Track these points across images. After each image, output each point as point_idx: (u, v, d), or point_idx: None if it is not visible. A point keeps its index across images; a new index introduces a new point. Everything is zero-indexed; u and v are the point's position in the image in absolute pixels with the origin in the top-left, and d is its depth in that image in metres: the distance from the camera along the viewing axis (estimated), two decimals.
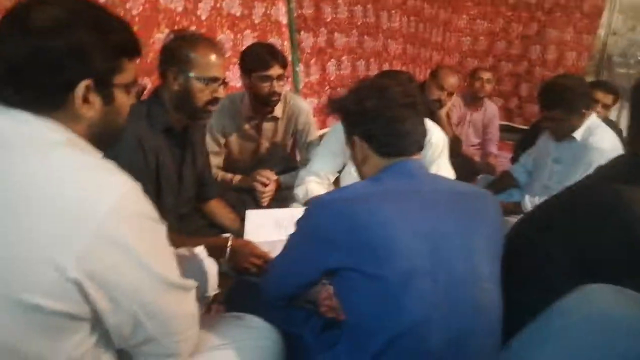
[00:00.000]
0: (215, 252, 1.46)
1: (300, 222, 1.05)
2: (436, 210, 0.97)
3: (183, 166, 1.64)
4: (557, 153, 2.14)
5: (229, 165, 2.20)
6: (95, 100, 0.80)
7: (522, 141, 2.94)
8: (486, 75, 3.16)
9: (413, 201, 0.97)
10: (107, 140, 0.86)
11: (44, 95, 0.75)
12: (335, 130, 2.03)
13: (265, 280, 1.19)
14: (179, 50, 1.47)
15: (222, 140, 2.14)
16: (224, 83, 1.55)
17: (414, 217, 0.94)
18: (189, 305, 0.88)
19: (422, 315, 0.90)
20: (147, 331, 0.79)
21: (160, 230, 0.80)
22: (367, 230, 0.92)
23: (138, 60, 0.88)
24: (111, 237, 0.70)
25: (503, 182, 2.44)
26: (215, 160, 2.09)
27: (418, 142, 1.05)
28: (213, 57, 1.50)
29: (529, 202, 2.08)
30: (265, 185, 2.02)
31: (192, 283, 0.88)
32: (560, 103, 1.97)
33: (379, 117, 1.02)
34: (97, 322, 0.76)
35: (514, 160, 2.91)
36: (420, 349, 0.91)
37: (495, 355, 0.97)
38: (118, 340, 0.80)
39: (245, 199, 2.02)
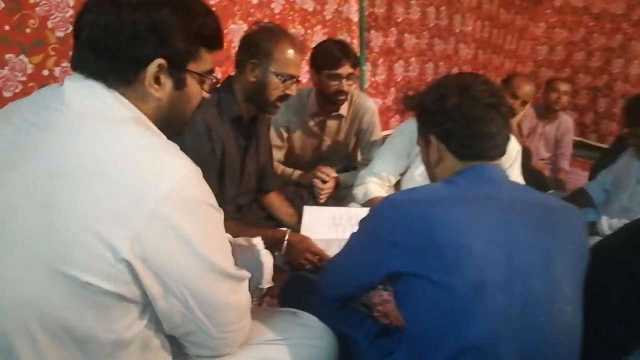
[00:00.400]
0: (272, 244, 1.45)
1: (365, 222, 1.01)
2: (515, 220, 0.90)
3: (247, 157, 1.65)
4: None
5: (290, 160, 2.19)
6: (167, 82, 0.79)
7: (602, 159, 2.75)
8: (564, 87, 2.98)
9: (490, 208, 0.90)
10: (171, 126, 0.84)
11: (118, 68, 0.75)
12: (401, 131, 1.97)
13: (323, 278, 1.16)
14: (262, 43, 1.47)
15: (285, 135, 2.14)
16: (298, 81, 1.54)
17: (490, 225, 0.88)
18: (242, 296, 0.85)
19: (492, 332, 0.84)
20: (196, 320, 0.77)
21: (217, 217, 0.77)
22: (438, 235, 0.86)
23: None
24: (166, 221, 0.68)
25: (577, 200, 2.28)
26: (277, 154, 2.09)
27: (500, 147, 0.98)
28: (294, 55, 1.50)
29: (606, 224, 1.93)
30: (325, 182, 1.99)
31: (245, 273, 0.86)
32: None
33: (461, 116, 0.96)
34: (147, 306, 0.74)
35: (590, 179, 2.72)
36: None
37: None
38: (168, 327, 0.78)
39: (304, 194, 2.00)
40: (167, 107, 0.81)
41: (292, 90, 1.53)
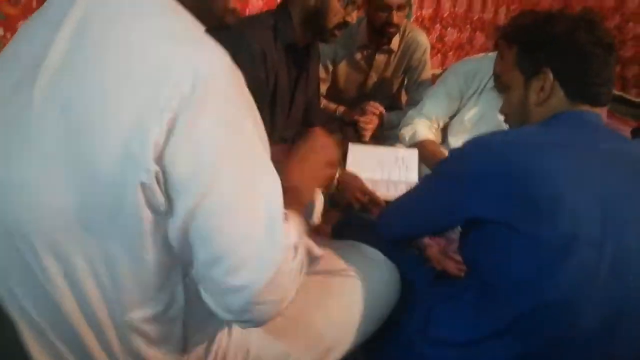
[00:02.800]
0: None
1: (448, 163, 0.95)
2: (613, 174, 0.84)
3: (297, 88, 1.57)
4: None
5: (332, 95, 2.11)
6: None
7: None
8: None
9: (588, 158, 0.84)
10: (208, 15, 0.72)
11: None
12: (456, 71, 1.87)
13: (388, 217, 1.12)
14: None
15: (331, 68, 2.04)
16: (358, 8, 1.43)
17: (587, 177, 0.82)
18: (281, 236, 0.64)
19: (577, 289, 0.80)
20: (216, 245, 0.60)
21: (256, 120, 0.65)
22: (533, 183, 0.80)
23: None
24: (197, 112, 0.57)
25: None
26: (321, 88, 2.00)
27: (609, 94, 0.91)
28: None
29: None
30: (374, 114, 1.91)
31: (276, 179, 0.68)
32: None
33: (586, 54, 0.88)
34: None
35: (635, 132, 2.63)
36: (569, 322, 0.81)
37: None
38: (195, 269, 0.64)
39: (348, 131, 1.94)
40: None
41: (352, 18, 1.42)
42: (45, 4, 0.69)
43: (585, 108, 0.90)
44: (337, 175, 1.46)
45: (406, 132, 1.86)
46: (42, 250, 0.61)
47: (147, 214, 0.59)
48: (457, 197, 0.90)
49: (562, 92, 0.91)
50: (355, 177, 1.49)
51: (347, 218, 1.34)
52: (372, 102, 1.92)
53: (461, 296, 0.97)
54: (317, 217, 1.39)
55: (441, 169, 0.97)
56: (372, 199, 1.49)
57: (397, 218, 1.09)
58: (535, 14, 0.98)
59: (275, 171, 0.66)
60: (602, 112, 0.94)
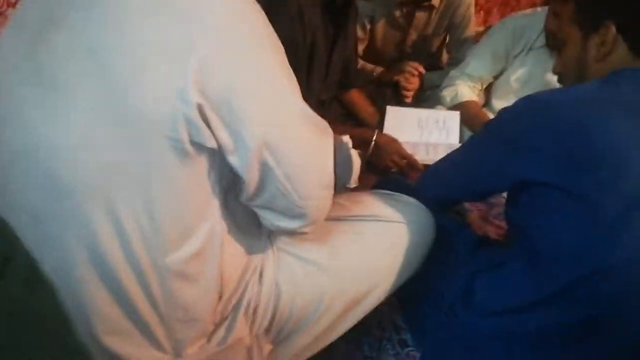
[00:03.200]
0: (359, 143, 1.38)
1: (498, 123, 0.90)
2: None
3: (334, 48, 1.51)
4: None
5: (369, 55, 2.03)
6: None
7: None
8: None
9: None
10: None
11: None
12: (504, 26, 1.77)
13: (429, 178, 1.08)
14: None
15: (368, 27, 1.96)
16: None
17: None
18: (325, 153, 0.72)
19: (637, 256, 0.75)
20: (275, 181, 0.66)
21: (281, 49, 0.67)
22: (594, 144, 0.75)
23: None
24: (232, 38, 0.59)
25: None
26: (358, 48, 1.93)
27: None
28: None
29: None
30: (414, 76, 1.84)
31: (326, 124, 0.74)
32: None
33: None
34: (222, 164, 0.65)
35: None
36: (624, 290, 0.77)
37: None
38: (244, 194, 0.69)
39: (386, 93, 1.88)
40: None
41: None
42: None
43: None
44: (374, 138, 1.43)
45: (447, 93, 1.79)
46: (91, 204, 0.62)
47: (192, 151, 0.60)
48: (508, 158, 0.85)
49: (626, 47, 0.84)
50: (393, 140, 1.45)
51: (385, 182, 1.30)
52: (411, 62, 1.84)
53: (506, 264, 0.93)
54: (354, 180, 1.36)
55: (489, 129, 0.92)
56: (411, 163, 1.45)
57: (438, 180, 1.05)
58: None
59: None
60: None
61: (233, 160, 0.63)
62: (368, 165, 1.60)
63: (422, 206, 1.01)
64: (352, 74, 1.70)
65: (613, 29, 0.84)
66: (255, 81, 0.62)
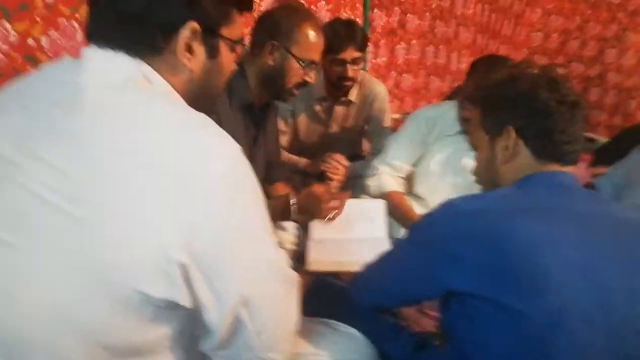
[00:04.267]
0: (281, 213, 1.39)
1: (419, 230, 0.90)
2: (594, 238, 0.79)
3: (255, 146, 1.50)
4: None
5: (294, 147, 2.06)
6: (199, 50, 0.71)
7: (605, 149, 2.71)
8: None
9: (567, 222, 0.79)
10: (203, 101, 0.74)
11: (145, 34, 0.66)
12: (417, 117, 1.86)
13: (361, 286, 1.04)
14: (285, 22, 1.32)
15: (290, 120, 1.99)
16: (317, 67, 1.40)
17: (567, 243, 0.77)
18: (294, 306, 0.75)
19: None
20: (245, 336, 0.66)
21: (264, 205, 0.68)
22: (512, 253, 0.75)
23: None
24: (221, 208, 0.59)
25: None
26: (281, 140, 1.95)
27: (578, 152, 0.88)
28: (317, 38, 1.35)
29: None
30: (338, 169, 1.86)
31: (295, 275, 0.76)
32: None
33: (553, 113, 0.85)
34: (191, 315, 0.63)
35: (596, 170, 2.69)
36: None
37: None
38: (210, 344, 0.66)
39: (311, 184, 1.87)
40: (200, 80, 0.73)
41: (312, 77, 1.39)
42: (47, 71, 0.68)
43: (555, 167, 0.87)
44: (292, 202, 1.39)
45: (372, 183, 1.82)
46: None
47: (160, 307, 0.59)
48: (429, 267, 0.84)
49: (528, 151, 0.88)
50: (310, 191, 1.43)
51: (320, 284, 1.24)
52: (333, 155, 1.87)
53: None
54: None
55: (413, 236, 0.91)
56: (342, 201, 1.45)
57: (371, 287, 1.01)
58: (497, 74, 0.95)
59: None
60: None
61: (209, 316, 0.62)
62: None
63: (363, 339, 1.01)
64: (275, 168, 1.69)
65: (513, 134, 0.89)
66: (243, 242, 0.63)
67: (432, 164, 1.82)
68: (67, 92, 0.62)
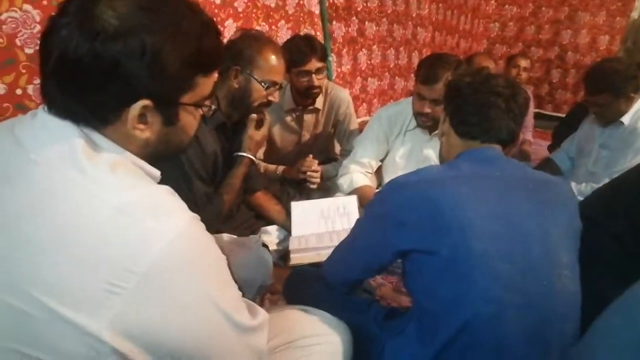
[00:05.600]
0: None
1: (371, 206, 1.07)
2: (512, 195, 0.97)
3: (232, 159, 1.66)
4: (604, 138, 2.10)
5: (271, 157, 2.21)
6: (155, 120, 0.67)
7: (560, 127, 2.89)
8: (524, 62, 3.13)
9: (489, 185, 0.97)
10: (165, 157, 0.74)
11: (92, 108, 0.63)
12: (379, 117, 2.03)
13: (331, 264, 1.19)
14: (245, 50, 1.49)
15: None
16: (280, 87, 1.57)
17: (489, 200, 0.95)
18: (262, 341, 0.76)
19: (498, 298, 0.90)
20: None
21: (219, 266, 0.68)
22: (442, 213, 0.92)
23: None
24: (154, 293, 0.58)
25: (545, 169, 2.40)
26: (258, 153, 2.11)
27: (498, 134, 1.05)
28: (277, 62, 1.52)
29: (575, 189, 2.05)
30: (314, 174, 2.02)
31: (262, 319, 0.77)
32: (608, 87, 1.93)
33: (470, 95, 1.05)
34: None
35: (552, 147, 2.87)
36: (495, 332, 0.91)
37: (575, 344, 0.97)
38: None
39: (290, 190, 2.04)
40: (157, 144, 0.69)
41: (275, 97, 1.56)
42: (9, 129, 0.66)
43: (477, 145, 1.05)
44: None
45: (344, 181, 1.98)
46: None
47: None
48: (383, 235, 1.00)
49: (452, 130, 1.08)
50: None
51: (296, 274, 1.40)
52: (305, 161, 2.02)
53: (406, 328, 1.05)
54: (269, 277, 1.44)
55: (367, 211, 1.08)
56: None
57: (339, 263, 1.17)
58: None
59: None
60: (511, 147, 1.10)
61: None
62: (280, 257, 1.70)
63: (338, 320, 1.08)
64: (254, 178, 1.84)
65: (444, 116, 1.09)
66: (185, 320, 0.62)
67: (397, 158, 1.99)
68: (15, 163, 0.61)
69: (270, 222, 1.84)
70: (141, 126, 0.66)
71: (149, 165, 0.70)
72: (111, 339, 0.56)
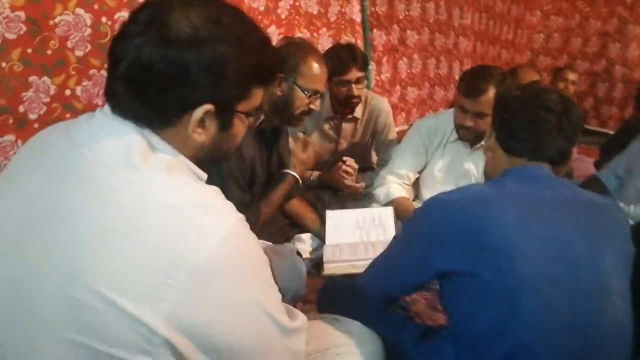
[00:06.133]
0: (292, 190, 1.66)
1: (411, 223, 1.04)
2: (562, 217, 0.92)
3: (270, 167, 1.66)
4: None
5: None
6: (212, 125, 0.70)
7: (608, 144, 2.78)
8: (572, 76, 3.04)
9: (536, 206, 0.93)
10: (214, 162, 0.79)
11: (158, 110, 0.67)
12: (419, 128, 2.00)
13: (367, 278, 1.17)
14: (290, 58, 1.50)
15: None
16: (322, 96, 1.57)
17: (537, 222, 0.91)
18: (301, 345, 0.78)
19: (546, 325, 0.86)
20: None
21: (263, 267, 0.71)
22: (487, 233, 0.88)
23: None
24: (207, 289, 0.60)
25: (591, 188, 2.31)
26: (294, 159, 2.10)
27: (547, 152, 1.01)
28: (320, 71, 1.53)
29: (624, 210, 1.96)
30: (350, 170, 1.99)
31: (302, 322, 0.78)
32: None
33: (519, 110, 1.01)
34: None
35: (598, 164, 2.75)
36: (541, 357, 0.86)
37: None
38: None
39: (325, 197, 2.02)
40: (210, 149, 0.73)
41: (317, 105, 1.56)
42: (38, 145, 0.73)
43: (523, 162, 1.01)
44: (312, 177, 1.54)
45: (380, 192, 1.95)
46: None
47: None
48: (422, 254, 0.97)
49: (498, 145, 1.04)
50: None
51: (331, 284, 1.38)
52: (345, 159, 1.99)
53: (442, 349, 1.01)
54: (303, 285, 1.43)
55: (406, 228, 1.05)
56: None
57: (375, 278, 1.14)
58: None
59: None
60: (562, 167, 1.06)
61: None
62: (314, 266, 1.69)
63: (370, 332, 1.06)
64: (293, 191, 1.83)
65: (491, 130, 1.04)
66: (231, 316, 0.64)
67: (435, 170, 1.95)
68: (73, 161, 0.65)
69: (305, 230, 1.83)
70: (199, 130, 0.69)
71: (198, 168, 0.73)
72: (165, 331, 0.58)
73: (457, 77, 3.67)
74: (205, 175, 0.74)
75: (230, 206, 0.67)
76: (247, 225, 0.68)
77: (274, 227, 1.78)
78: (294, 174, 1.61)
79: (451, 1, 3.44)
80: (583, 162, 3.27)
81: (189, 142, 0.70)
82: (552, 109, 1.00)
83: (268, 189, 1.64)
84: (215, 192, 0.68)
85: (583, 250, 0.89)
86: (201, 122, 0.69)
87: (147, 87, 0.65)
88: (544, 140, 1.00)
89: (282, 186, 1.61)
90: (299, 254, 1.57)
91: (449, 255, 0.92)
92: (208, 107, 0.67)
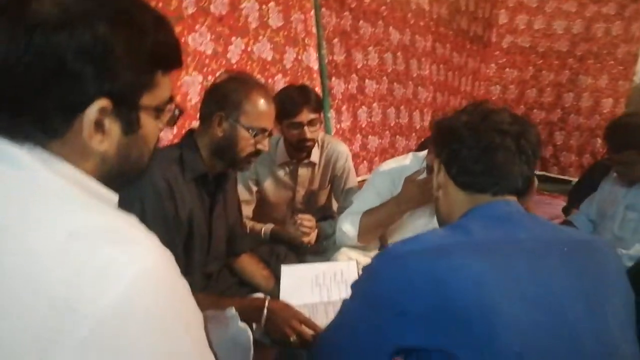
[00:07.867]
0: (249, 314, 1.23)
1: (361, 284, 0.83)
2: (544, 265, 0.74)
3: (214, 218, 1.44)
4: (629, 199, 1.90)
5: (262, 215, 2.00)
6: (113, 127, 0.57)
7: (576, 188, 2.72)
8: None
9: (511, 255, 0.74)
10: (124, 178, 0.64)
11: (38, 118, 0.53)
12: (381, 172, 1.85)
13: (318, 356, 0.94)
14: (231, 94, 1.32)
15: (255, 188, 1.96)
16: (270, 134, 1.39)
17: (516, 276, 0.71)
18: None
19: None
20: None
21: (197, 321, 0.56)
22: (455, 296, 0.68)
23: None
24: (113, 344, 0.46)
25: None
26: (246, 210, 1.89)
27: (512, 183, 0.83)
28: (266, 107, 1.35)
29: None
30: (309, 228, 1.80)
31: None
32: (633, 143, 1.76)
33: (470, 137, 0.82)
34: None
35: (567, 209, 2.68)
36: None
37: None
38: None
39: (280, 252, 1.79)
40: (116, 159, 0.60)
41: (264, 145, 1.37)
42: None
43: (489, 199, 0.83)
44: (265, 305, 1.29)
45: (344, 227, 1.73)
46: None
47: None
48: (381, 326, 0.75)
49: (451, 181, 0.85)
50: (286, 305, 1.32)
51: (287, 356, 1.14)
52: (301, 215, 1.81)
53: None
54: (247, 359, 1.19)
55: (359, 290, 0.83)
56: (310, 328, 1.32)
57: (328, 355, 0.91)
58: None
59: None
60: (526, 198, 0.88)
61: None
62: (267, 337, 1.44)
63: None
64: (239, 239, 1.62)
65: (439, 165, 0.87)
66: None
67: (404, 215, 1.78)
68: None
69: (256, 290, 1.59)
70: (99, 136, 0.56)
71: (105, 187, 0.59)
72: None
73: (417, 127, 3.63)
74: (115, 197, 0.60)
75: (151, 237, 0.52)
76: (175, 265, 0.53)
77: (220, 287, 1.54)
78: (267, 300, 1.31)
79: (408, 53, 3.46)
80: (548, 205, 3.22)
81: (88, 154, 0.57)
82: (507, 131, 0.82)
83: (210, 243, 1.42)
84: (130, 218, 0.53)
85: (580, 307, 0.71)
86: (98, 126, 0.55)
87: (13, 90, 0.51)
88: (506, 169, 0.82)
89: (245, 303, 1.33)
90: (243, 320, 1.33)
91: (413, 328, 0.70)
92: (102, 103, 0.54)
